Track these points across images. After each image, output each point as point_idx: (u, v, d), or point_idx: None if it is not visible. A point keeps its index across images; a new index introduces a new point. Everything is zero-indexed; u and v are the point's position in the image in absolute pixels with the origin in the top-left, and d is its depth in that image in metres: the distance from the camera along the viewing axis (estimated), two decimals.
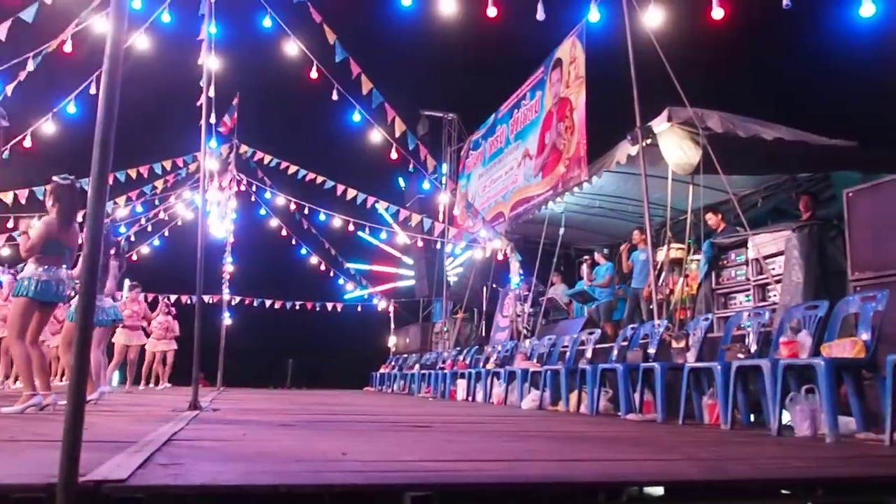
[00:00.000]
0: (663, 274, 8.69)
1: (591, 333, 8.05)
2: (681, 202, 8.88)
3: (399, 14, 7.55)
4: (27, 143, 9.50)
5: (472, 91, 19.09)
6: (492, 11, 7.21)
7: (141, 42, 8.52)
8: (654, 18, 7.69)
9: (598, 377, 6.78)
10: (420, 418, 5.83)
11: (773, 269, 7.07)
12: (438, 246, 15.95)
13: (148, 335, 12.51)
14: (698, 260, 8.38)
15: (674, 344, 6.19)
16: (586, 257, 11.92)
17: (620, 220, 12.21)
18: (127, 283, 11.19)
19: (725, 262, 7.84)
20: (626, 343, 7.09)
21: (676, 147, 8.04)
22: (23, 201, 11.54)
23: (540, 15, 7.24)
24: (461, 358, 11.78)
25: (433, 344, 16.80)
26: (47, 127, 9.51)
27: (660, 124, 8.15)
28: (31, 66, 8.33)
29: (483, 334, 14.69)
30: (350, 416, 6.31)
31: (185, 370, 13.49)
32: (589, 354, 7.56)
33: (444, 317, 16.93)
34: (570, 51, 11.27)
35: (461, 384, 10.81)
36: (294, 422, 5.06)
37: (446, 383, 11.62)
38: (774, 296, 6.96)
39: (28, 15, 7.51)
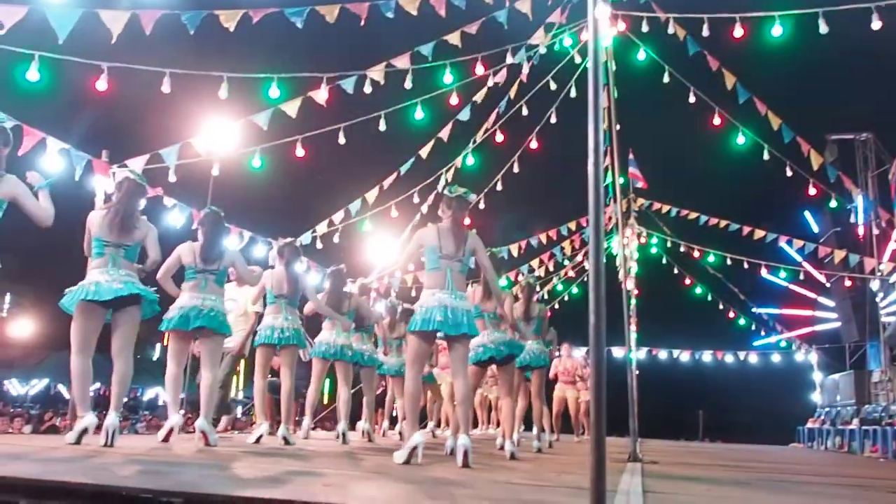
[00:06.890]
0: None
1: None
2: None
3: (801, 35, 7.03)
4: None
5: (889, 105, 16.72)
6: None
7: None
8: None
9: None
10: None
11: None
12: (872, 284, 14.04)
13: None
14: None
15: None
16: None
17: None
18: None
19: None
20: None
21: None
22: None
23: None
24: None
25: (872, 395, 14.69)
26: None
27: None
28: None
29: None
30: (800, 475, 5.84)
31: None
32: None
33: (882, 364, 14.74)
34: None
35: None
36: (748, 480, 4.86)
37: None
38: None
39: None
